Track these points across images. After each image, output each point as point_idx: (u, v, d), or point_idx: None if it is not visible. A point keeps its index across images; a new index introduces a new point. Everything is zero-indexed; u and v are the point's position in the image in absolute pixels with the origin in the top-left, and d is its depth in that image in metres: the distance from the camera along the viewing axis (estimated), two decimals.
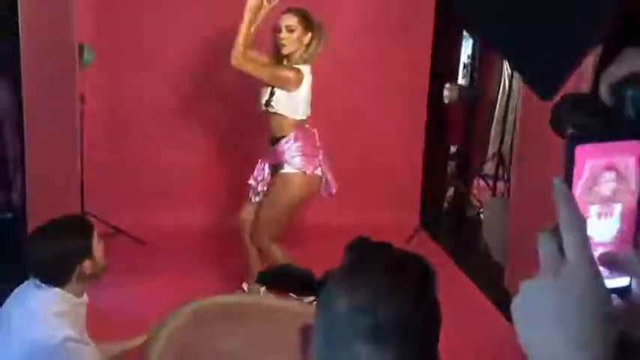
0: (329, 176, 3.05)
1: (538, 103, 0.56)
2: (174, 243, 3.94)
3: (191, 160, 4.29)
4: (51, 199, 3.21)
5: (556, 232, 0.48)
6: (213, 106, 4.26)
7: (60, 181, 3.42)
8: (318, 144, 3.05)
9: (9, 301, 1.86)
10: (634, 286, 0.50)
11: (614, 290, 0.49)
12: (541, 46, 0.51)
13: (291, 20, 2.92)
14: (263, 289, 3.19)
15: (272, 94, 2.93)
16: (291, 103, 2.94)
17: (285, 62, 2.99)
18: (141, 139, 4.23)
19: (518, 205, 3.43)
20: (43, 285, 1.81)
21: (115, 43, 4.06)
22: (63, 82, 3.38)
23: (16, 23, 2.94)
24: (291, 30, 2.91)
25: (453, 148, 5.05)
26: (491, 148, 5.21)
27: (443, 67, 4.57)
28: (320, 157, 3.02)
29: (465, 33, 4.68)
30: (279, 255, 3.05)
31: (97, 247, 1.88)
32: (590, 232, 0.48)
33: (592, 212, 0.49)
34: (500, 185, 4.69)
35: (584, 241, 0.47)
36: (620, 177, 0.49)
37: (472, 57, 4.87)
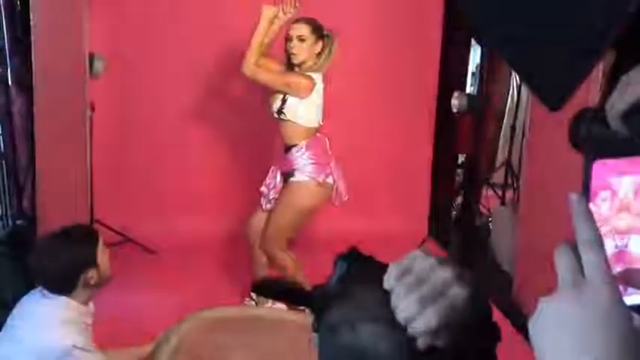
0: (340, 184, 3.05)
1: (547, 112, 0.56)
2: (184, 251, 3.95)
3: (202, 168, 4.31)
4: (61, 206, 3.24)
5: (574, 248, 0.47)
6: (224, 114, 4.28)
7: (70, 189, 3.44)
8: (329, 152, 3.06)
9: (17, 309, 1.88)
10: None
11: (632, 307, 0.48)
12: (549, 55, 0.50)
13: (302, 30, 2.94)
14: None
15: (284, 101, 2.95)
16: (303, 110, 2.96)
17: (296, 70, 3.02)
18: (151, 147, 4.26)
19: (527, 215, 3.41)
20: (49, 293, 1.82)
21: (126, 52, 4.09)
22: (74, 91, 3.41)
23: (29, 32, 2.97)
24: (302, 39, 2.93)
25: (461, 157, 5.04)
26: (500, 157, 5.19)
27: (451, 75, 4.57)
28: (331, 165, 3.02)
29: (473, 41, 4.69)
30: (289, 262, 3.05)
31: (103, 256, 1.89)
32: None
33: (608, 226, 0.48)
34: (509, 194, 4.67)
35: (603, 258, 0.46)
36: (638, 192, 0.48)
37: (481, 65, 4.86)
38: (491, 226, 4.44)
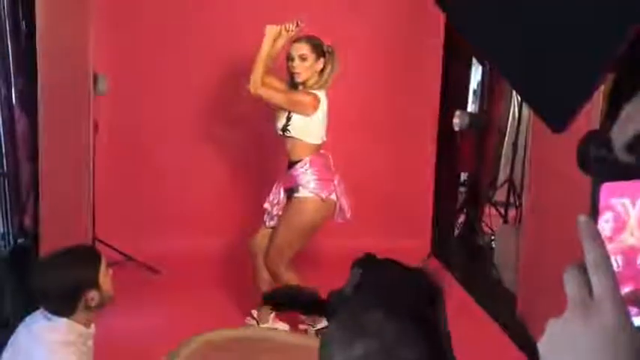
0: (343, 201, 3.06)
1: (549, 130, 0.56)
2: (187, 270, 3.94)
3: (204, 186, 4.31)
4: (63, 225, 3.24)
5: (583, 269, 0.47)
6: (227, 132, 4.29)
7: (72, 208, 3.45)
8: (333, 169, 3.07)
9: (19, 331, 1.86)
10: None
11: None
12: (552, 76, 0.50)
13: (302, 49, 2.96)
14: (272, 315, 3.17)
15: (289, 118, 2.97)
16: (308, 127, 2.97)
17: (300, 89, 3.04)
18: (153, 165, 4.26)
19: (531, 233, 3.40)
20: (50, 315, 1.81)
21: (129, 72, 4.12)
22: (78, 110, 3.43)
23: (34, 51, 3.00)
24: (303, 58, 2.95)
25: (463, 175, 5.03)
26: (502, 175, 5.19)
27: (453, 94, 4.59)
28: (335, 182, 3.03)
29: (474, 59, 4.71)
30: (292, 280, 3.04)
31: (105, 277, 1.87)
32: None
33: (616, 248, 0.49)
34: (512, 212, 4.66)
35: (613, 280, 0.47)
36: None
37: (482, 83, 4.89)
38: (494, 245, 4.43)
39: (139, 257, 3.94)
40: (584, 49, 0.49)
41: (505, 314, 3.48)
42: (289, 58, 2.98)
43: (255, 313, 3.21)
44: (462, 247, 4.68)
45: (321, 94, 2.98)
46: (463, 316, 3.44)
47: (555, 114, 0.51)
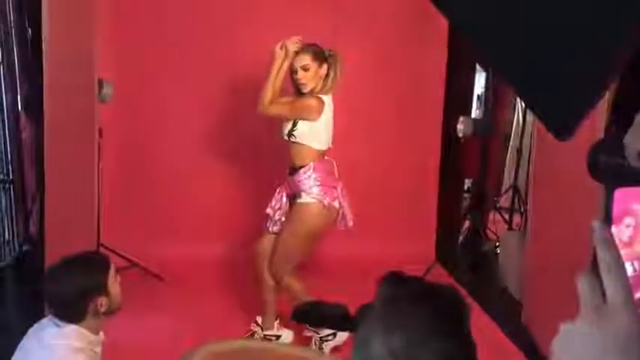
0: (346, 209, 3.05)
1: (553, 136, 0.56)
2: (192, 276, 3.94)
3: (209, 192, 4.32)
4: (68, 231, 3.24)
5: (596, 274, 0.48)
6: (230, 138, 4.30)
7: (77, 214, 3.45)
8: (336, 176, 3.07)
9: (27, 338, 1.86)
10: None
11: None
12: (556, 83, 0.51)
13: (304, 60, 2.97)
14: (277, 321, 3.17)
15: (295, 124, 2.98)
16: (313, 132, 2.98)
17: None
18: (158, 172, 4.28)
19: (536, 239, 3.39)
20: (59, 321, 1.81)
21: (134, 79, 4.14)
22: (83, 116, 3.45)
23: (40, 57, 3.01)
24: (306, 69, 2.97)
25: (467, 182, 5.03)
26: (507, 181, 5.18)
27: (456, 100, 4.59)
28: (338, 189, 3.03)
29: (478, 66, 4.72)
30: (296, 287, 3.04)
31: (114, 283, 1.88)
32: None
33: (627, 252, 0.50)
34: (517, 218, 4.65)
35: (625, 283, 0.48)
36: None
37: (486, 90, 4.88)
38: (498, 251, 4.41)
39: (144, 263, 3.94)
40: (589, 58, 0.49)
41: (510, 320, 3.47)
42: (293, 71, 3.00)
43: (259, 319, 3.21)
44: (467, 254, 4.66)
45: (327, 99, 2.99)
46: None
47: (560, 122, 0.52)
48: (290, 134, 2.99)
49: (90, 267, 1.86)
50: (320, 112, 2.94)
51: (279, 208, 3.13)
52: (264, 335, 3.16)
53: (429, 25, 4.20)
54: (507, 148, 5.32)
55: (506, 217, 4.75)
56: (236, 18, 4.19)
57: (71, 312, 1.81)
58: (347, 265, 3.95)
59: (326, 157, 3.07)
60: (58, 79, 3.05)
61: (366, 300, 0.94)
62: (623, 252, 0.49)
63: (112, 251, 3.80)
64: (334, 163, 3.10)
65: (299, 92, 3.04)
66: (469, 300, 3.91)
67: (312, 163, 2.99)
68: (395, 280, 0.93)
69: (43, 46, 2.93)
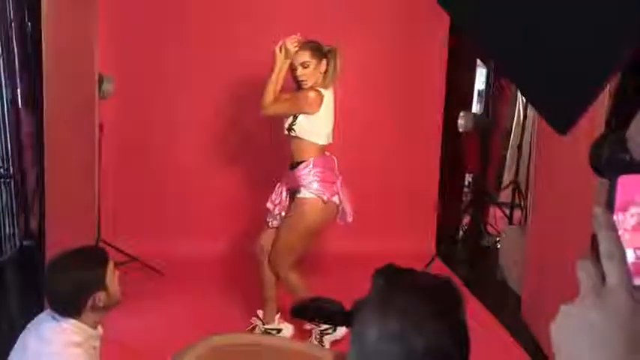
0: (346, 205, 3.06)
1: (553, 131, 0.57)
2: (192, 271, 3.95)
3: (208, 187, 4.32)
4: (68, 227, 3.24)
5: (596, 260, 0.50)
6: (232, 133, 4.30)
7: (77, 210, 3.45)
8: (336, 172, 3.07)
9: (26, 331, 1.87)
10: None
11: None
12: (556, 78, 0.51)
13: (303, 56, 2.97)
14: (278, 315, 3.18)
15: (295, 117, 2.99)
16: (313, 126, 2.98)
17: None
18: (158, 168, 4.28)
19: (535, 234, 3.40)
20: (58, 316, 1.82)
21: (135, 74, 4.14)
22: (83, 112, 3.44)
23: (40, 52, 3.01)
24: (306, 66, 2.97)
25: (468, 177, 5.03)
26: (507, 177, 5.18)
27: (457, 95, 4.59)
28: (337, 184, 3.03)
29: (479, 61, 4.71)
30: (296, 282, 3.04)
31: (112, 278, 1.88)
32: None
33: (628, 239, 0.51)
34: (517, 213, 4.65)
35: (624, 268, 0.49)
36: None
37: (486, 85, 4.88)
38: (499, 246, 4.42)
39: (143, 258, 3.95)
40: (589, 53, 0.50)
41: (510, 315, 3.47)
42: (292, 68, 3.01)
43: (260, 313, 3.22)
44: (467, 249, 4.68)
45: (326, 93, 2.99)
46: (468, 316, 3.44)
47: (560, 116, 0.52)
48: (290, 128, 3.00)
49: (88, 261, 1.86)
50: (319, 104, 2.95)
51: (280, 203, 3.13)
52: (265, 329, 3.17)
53: (430, 22, 4.19)
54: (508, 144, 5.32)
55: (507, 212, 4.74)
56: (237, 14, 4.18)
57: (70, 306, 1.81)
58: (347, 261, 3.95)
59: (327, 153, 3.07)
60: (57, 74, 3.04)
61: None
62: (627, 238, 0.50)
63: (112, 246, 3.81)
64: (335, 159, 3.10)
65: (300, 88, 3.05)
66: (468, 294, 3.92)
67: (311, 159, 3.00)
68: (390, 271, 0.94)
69: (43, 41, 2.92)
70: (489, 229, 4.80)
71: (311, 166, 2.99)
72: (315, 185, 2.97)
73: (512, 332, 3.32)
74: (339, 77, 3.05)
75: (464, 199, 4.96)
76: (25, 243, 3.85)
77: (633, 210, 0.50)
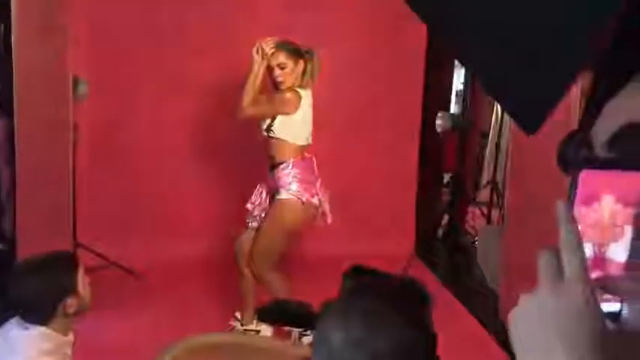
0: (325, 206, 3.06)
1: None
2: (170, 273, 3.91)
3: (186, 189, 4.29)
4: (42, 229, 3.19)
5: (557, 253, 0.51)
6: (208, 135, 4.27)
7: (52, 212, 3.40)
8: (316, 173, 3.07)
9: None
10: (625, 311, 0.52)
11: (606, 314, 0.51)
12: (523, 77, 0.51)
13: (280, 58, 2.97)
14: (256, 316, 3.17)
15: (274, 119, 2.98)
16: (291, 127, 2.98)
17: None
18: (134, 169, 4.23)
19: (513, 233, 3.43)
20: (27, 323, 1.77)
21: (111, 75, 4.09)
22: (56, 113, 3.39)
23: (11, 55, 2.96)
24: (282, 67, 2.97)
25: (446, 177, 5.06)
26: (485, 176, 5.23)
27: (435, 96, 4.61)
28: (317, 185, 3.03)
29: (457, 62, 4.75)
30: (276, 283, 3.03)
31: (83, 282, 1.83)
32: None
33: (589, 234, 0.52)
34: (495, 213, 4.69)
35: (583, 261, 0.50)
36: (622, 203, 0.51)
37: (464, 85, 4.92)
38: (477, 245, 4.45)
39: (121, 261, 3.90)
40: (554, 52, 0.50)
41: (488, 313, 3.50)
42: (270, 70, 3.00)
43: (238, 314, 3.20)
44: (446, 248, 4.70)
45: (304, 93, 2.99)
46: (446, 315, 3.46)
47: (527, 115, 0.52)
48: (269, 129, 3.00)
49: (57, 267, 1.81)
50: (297, 105, 2.94)
51: (259, 204, 3.12)
52: (244, 330, 3.16)
53: (409, 21, 4.19)
54: (486, 144, 5.37)
55: (485, 211, 4.78)
56: (213, 15, 4.15)
57: (39, 314, 1.76)
58: (326, 262, 3.95)
59: (306, 154, 3.07)
60: (29, 75, 3.00)
61: None
62: (589, 233, 0.51)
63: (89, 249, 3.76)
64: (314, 160, 3.10)
65: (277, 89, 3.04)
66: (447, 293, 3.93)
67: (291, 160, 2.99)
68: (357, 273, 0.93)
69: (13, 43, 2.87)
70: (468, 228, 4.83)
71: (290, 167, 2.98)
72: (295, 186, 2.97)
73: (490, 330, 3.35)
74: (317, 78, 3.05)
75: (442, 198, 4.99)
76: None
77: (596, 205, 0.51)
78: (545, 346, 0.48)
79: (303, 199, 2.97)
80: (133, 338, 3.05)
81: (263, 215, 3.09)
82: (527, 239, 3.12)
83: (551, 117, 0.51)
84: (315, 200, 3.01)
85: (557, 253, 0.50)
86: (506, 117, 4.61)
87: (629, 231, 0.52)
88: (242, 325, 3.17)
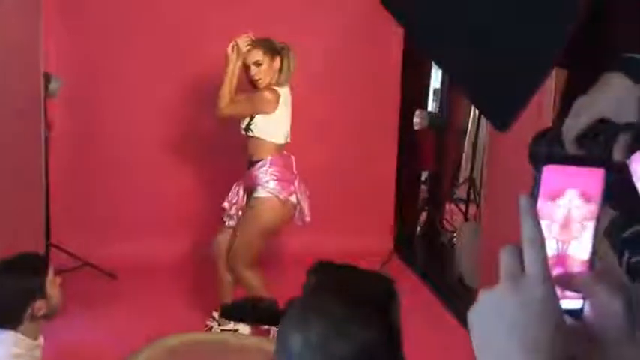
0: (303, 204, 3.05)
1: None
2: (146, 273, 3.86)
3: (162, 188, 4.24)
4: (16, 230, 3.12)
5: (519, 248, 0.50)
6: (184, 133, 4.23)
7: (25, 212, 3.33)
8: (294, 171, 3.06)
9: None
10: (586, 308, 0.52)
11: (567, 312, 0.51)
12: (494, 76, 0.51)
13: (256, 55, 2.97)
14: None
15: (252, 117, 2.97)
16: (270, 126, 2.97)
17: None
18: (110, 168, 4.17)
19: (490, 230, 3.45)
20: None
21: (86, 74, 4.03)
22: (28, 111, 3.32)
23: None
24: (259, 64, 2.96)
25: (424, 174, 5.09)
26: (463, 173, 5.26)
27: (413, 93, 4.63)
28: (295, 184, 3.02)
29: None
30: (254, 281, 3.02)
31: (52, 285, 1.79)
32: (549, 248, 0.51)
33: (552, 230, 0.51)
34: (473, 209, 4.73)
35: (543, 257, 0.49)
36: (584, 199, 0.51)
37: (442, 83, 4.94)
38: (455, 242, 4.48)
39: (96, 262, 3.84)
40: (525, 52, 0.50)
41: (467, 311, 3.52)
42: (246, 68, 2.99)
43: (215, 314, 3.18)
44: (425, 245, 4.73)
45: (282, 91, 2.98)
46: (425, 313, 3.48)
47: (499, 113, 0.52)
48: (247, 128, 2.99)
49: (26, 269, 1.77)
50: (275, 104, 2.93)
51: (236, 203, 3.11)
52: (221, 330, 3.14)
53: (386, 19, 4.19)
54: (464, 142, 5.40)
55: (463, 208, 4.82)
56: (188, 13, 4.11)
57: (7, 318, 1.73)
58: (305, 260, 3.94)
59: (284, 152, 3.06)
60: (1, 70, 2.93)
61: None
62: (553, 229, 0.51)
63: (63, 250, 3.70)
64: (292, 158, 3.09)
65: (254, 87, 3.03)
66: (426, 290, 3.95)
67: (269, 158, 2.98)
68: (321, 269, 0.91)
69: None
70: (446, 225, 4.86)
71: (268, 165, 2.97)
72: (272, 184, 2.96)
73: (467, 326, 3.37)
74: (293, 75, 3.04)
75: (421, 196, 5.01)
76: None
77: (560, 202, 0.50)
78: (501, 342, 0.48)
79: (281, 197, 2.96)
80: (108, 339, 3.01)
81: (240, 214, 3.07)
82: (504, 236, 3.15)
83: (523, 114, 0.51)
84: (292, 198, 3.00)
85: (519, 249, 0.50)
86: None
87: (590, 228, 0.51)
88: (219, 324, 3.15)
